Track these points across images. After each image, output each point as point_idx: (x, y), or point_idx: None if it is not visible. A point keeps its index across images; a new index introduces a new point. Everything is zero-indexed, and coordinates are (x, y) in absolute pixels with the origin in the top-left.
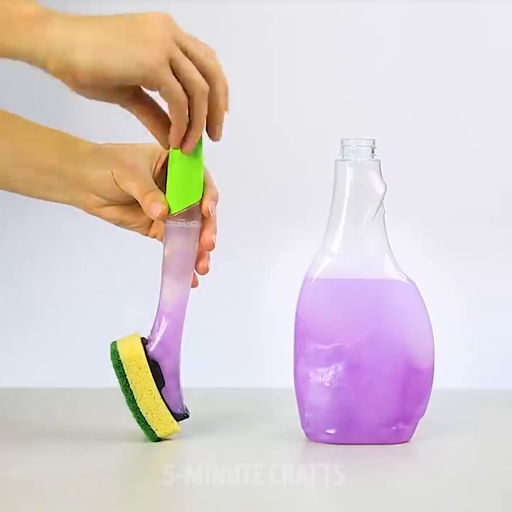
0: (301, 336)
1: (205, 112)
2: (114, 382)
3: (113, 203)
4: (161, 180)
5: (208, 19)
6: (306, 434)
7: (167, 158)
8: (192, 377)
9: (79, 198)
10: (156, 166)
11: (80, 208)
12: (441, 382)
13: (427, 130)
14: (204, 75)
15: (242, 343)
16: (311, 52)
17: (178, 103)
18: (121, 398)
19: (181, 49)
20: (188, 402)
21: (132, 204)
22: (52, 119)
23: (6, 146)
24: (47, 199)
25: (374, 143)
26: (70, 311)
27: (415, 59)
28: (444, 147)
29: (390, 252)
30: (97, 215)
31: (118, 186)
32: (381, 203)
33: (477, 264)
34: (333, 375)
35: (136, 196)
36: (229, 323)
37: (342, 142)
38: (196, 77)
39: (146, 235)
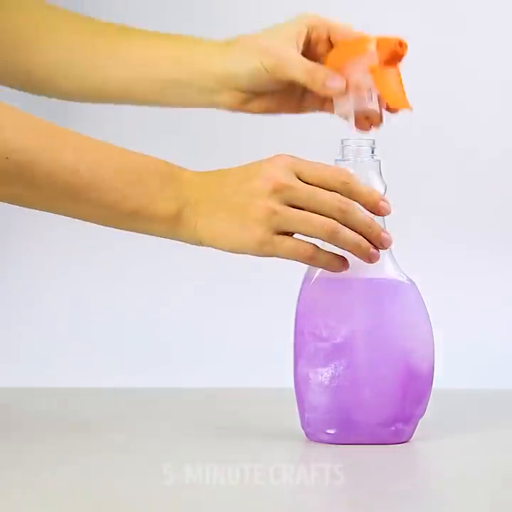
0: (301, 335)
1: (346, 242)
2: (115, 381)
3: (260, 95)
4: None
5: (206, 16)
6: (306, 434)
7: (308, 34)
8: (192, 377)
9: (221, 99)
10: (299, 45)
11: (220, 108)
12: (441, 382)
13: (428, 130)
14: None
15: (242, 343)
16: None
17: (304, 258)
18: (122, 398)
19: (298, 197)
20: (189, 402)
21: (280, 92)
22: (55, 116)
23: (138, 61)
24: (182, 106)
25: (374, 143)
26: (71, 310)
27: (416, 58)
28: (444, 147)
29: (390, 252)
30: (242, 111)
31: (273, 75)
32: None
33: (478, 265)
34: (332, 374)
35: (303, 79)
36: (229, 322)
37: (342, 142)
38: (310, 228)
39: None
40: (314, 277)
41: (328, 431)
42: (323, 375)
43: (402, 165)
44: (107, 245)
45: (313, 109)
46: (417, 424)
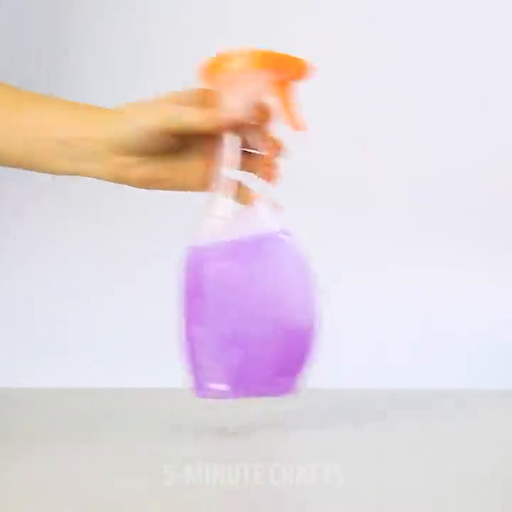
0: (187, 295)
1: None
2: (115, 381)
3: (143, 159)
4: None
5: (208, 12)
6: (197, 392)
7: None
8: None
9: (103, 165)
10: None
11: (103, 178)
12: (440, 382)
13: (424, 125)
14: None
15: None
16: (306, 50)
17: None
18: (122, 398)
19: None
20: (188, 402)
21: (165, 155)
22: None
23: (30, 122)
24: (70, 173)
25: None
26: (70, 310)
27: (413, 55)
28: (443, 143)
29: (265, 205)
30: (126, 181)
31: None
32: None
33: (478, 264)
34: (212, 331)
35: (198, 121)
36: None
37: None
38: None
39: (183, 191)
40: (193, 245)
41: (219, 386)
42: (205, 332)
43: (400, 162)
44: (105, 245)
45: (196, 175)
46: (301, 378)
